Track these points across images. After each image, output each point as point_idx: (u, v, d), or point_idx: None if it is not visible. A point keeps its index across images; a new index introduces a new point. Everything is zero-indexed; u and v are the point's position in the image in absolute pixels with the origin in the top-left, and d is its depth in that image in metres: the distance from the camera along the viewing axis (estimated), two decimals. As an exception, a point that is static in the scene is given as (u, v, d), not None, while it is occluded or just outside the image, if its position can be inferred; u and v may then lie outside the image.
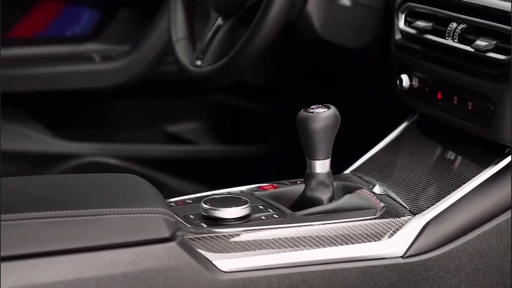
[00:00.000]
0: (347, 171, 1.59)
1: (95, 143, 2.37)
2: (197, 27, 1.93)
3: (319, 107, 1.36)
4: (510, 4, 1.34)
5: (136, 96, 2.42)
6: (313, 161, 1.37)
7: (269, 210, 1.36)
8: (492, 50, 1.36)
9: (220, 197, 1.36)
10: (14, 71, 2.31)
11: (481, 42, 1.38)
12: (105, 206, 1.16)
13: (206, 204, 1.31)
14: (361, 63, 1.91)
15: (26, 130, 2.34)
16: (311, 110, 1.35)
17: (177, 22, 1.92)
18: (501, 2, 1.37)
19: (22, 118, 2.35)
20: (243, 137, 2.53)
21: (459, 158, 1.47)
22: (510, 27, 1.31)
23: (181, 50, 1.88)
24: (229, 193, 1.46)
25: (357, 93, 2.15)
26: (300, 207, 1.37)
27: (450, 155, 1.50)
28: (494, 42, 1.36)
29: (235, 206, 1.30)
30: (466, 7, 1.46)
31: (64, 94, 2.35)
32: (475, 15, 1.43)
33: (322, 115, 1.34)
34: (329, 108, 1.35)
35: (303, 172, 1.56)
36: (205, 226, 1.29)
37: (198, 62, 1.79)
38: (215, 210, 1.30)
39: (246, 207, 1.31)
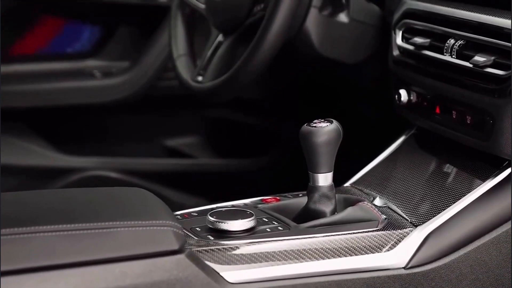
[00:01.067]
0: (347, 184, 1.59)
1: (97, 157, 2.37)
2: (197, 44, 1.93)
3: (322, 121, 1.35)
4: (509, 21, 1.33)
5: (136, 111, 2.42)
6: (316, 174, 1.37)
7: (273, 222, 1.35)
8: (491, 66, 1.36)
9: (225, 210, 1.35)
10: (17, 87, 2.30)
11: (479, 58, 1.37)
12: (115, 219, 1.16)
13: (212, 217, 1.31)
14: (357, 78, 1.91)
15: (29, 145, 2.34)
16: (314, 125, 1.35)
17: (177, 39, 1.92)
18: (499, 19, 1.36)
19: (25, 133, 2.34)
20: (240, 150, 2.52)
21: (458, 170, 1.47)
22: (510, 44, 1.30)
23: (182, 66, 1.88)
24: (233, 206, 1.45)
25: (352, 107, 2.15)
26: (304, 219, 1.37)
27: (449, 167, 1.50)
28: (492, 58, 1.35)
29: (241, 219, 1.30)
30: (463, 23, 1.46)
31: (66, 110, 2.34)
32: (472, 31, 1.43)
33: (325, 129, 1.34)
34: (331, 122, 1.35)
35: (300, 184, 1.56)
36: (212, 238, 1.28)
37: (200, 78, 1.79)
38: (222, 222, 1.30)
39: (251, 220, 1.31)
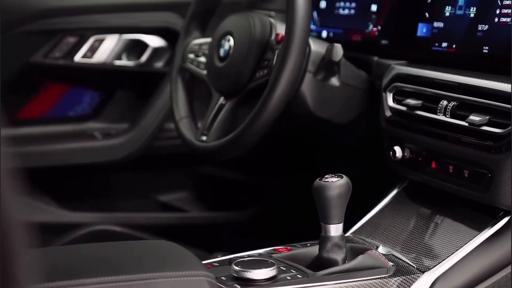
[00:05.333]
0: (348, 234, 1.58)
1: (99, 213, 2.33)
2: (196, 106, 1.92)
3: (333, 176, 1.35)
4: (505, 85, 1.33)
5: (133, 169, 2.39)
6: (328, 225, 1.36)
7: (291, 270, 1.34)
8: (486, 124, 1.36)
9: (248, 259, 1.33)
10: (23, 149, 2.26)
11: (475, 117, 1.36)
12: (154, 271, 1.13)
13: (237, 266, 1.29)
14: (346, 137, 1.91)
15: (34, 202, 2.29)
16: (325, 180, 1.34)
17: (178, 102, 1.91)
18: (494, 82, 1.36)
19: (31, 191, 2.29)
20: (227, 204, 2.51)
21: (454, 219, 1.46)
22: (510, 106, 1.30)
23: (185, 127, 1.87)
24: (249, 255, 1.43)
25: (340, 164, 2.14)
26: (318, 267, 1.36)
27: (445, 216, 1.49)
28: (487, 117, 1.35)
29: (264, 268, 1.28)
30: (453, 86, 1.46)
31: (69, 169, 2.31)
32: (463, 93, 1.43)
33: (336, 184, 1.34)
34: (342, 177, 1.35)
35: (285, 236, 1.56)
36: (239, 287, 1.26)
37: (204, 138, 1.77)
38: (246, 271, 1.28)
39: (274, 269, 1.29)
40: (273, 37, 1.71)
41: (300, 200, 2.34)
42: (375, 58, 1.77)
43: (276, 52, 1.64)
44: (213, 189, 2.54)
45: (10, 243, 0.50)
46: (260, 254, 1.45)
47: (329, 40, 1.92)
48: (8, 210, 0.49)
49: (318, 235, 1.40)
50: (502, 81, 1.35)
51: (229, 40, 1.76)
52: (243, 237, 2.32)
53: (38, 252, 1.18)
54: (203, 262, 1.38)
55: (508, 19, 1.41)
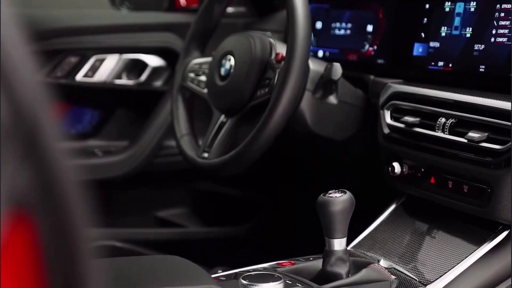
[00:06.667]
0: (348, 248, 1.57)
1: (99, 229, 2.31)
2: (196, 123, 1.92)
3: (336, 192, 1.35)
4: (505, 102, 1.34)
5: (132, 186, 2.39)
6: (332, 239, 1.36)
7: (297, 284, 1.34)
8: (485, 141, 1.36)
9: (255, 273, 1.33)
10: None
11: (474, 134, 1.36)
12: (168, 285, 1.13)
13: (245, 280, 1.28)
14: (343, 154, 1.92)
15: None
16: (329, 195, 1.35)
17: (179, 120, 1.91)
18: (498, 101, 1.35)
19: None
20: (224, 219, 2.50)
21: (453, 233, 1.46)
22: (510, 123, 1.31)
23: (186, 145, 1.87)
24: (254, 270, 1.43)
25: (335, 180, 2.14)
26: (321, 280, 1.36)
27: (444, 230, 1.49)
28: (486, 134, 1.36)
29: (272, 282, 1.28)
30: (450, 104, 1.46)
31: None
32: (461, 110, 1.43)
33: (340, 199, 1.34)
34: (345, 193, 1.35)
35: (283, 250, 1.56)
36: (247, 300, 1.26)
37: (206, 155, 1.77)
38: (254, 285, 1.27)
39: (281, 283, 1.29)
40: (273, 56, 1.71)
41: (297, 215, 2.34)
42: (372, 77, 1.78)
43: (277, 71, 1.64)
44: (211, 205, 2.54)
45: (81, 257, 0.50)
46: (264, 268, 1.45)
47: (325, 59, 1.93)
48: (77, 222, 0.49)
49: (316, 248, 1.40)
50: (500, 99, 1.35)
51: (230, 60, 1.77)
52: (242, 252, 2.32)
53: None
54: (211, 276, 1.38)
55: (505, 39, 1.42)
